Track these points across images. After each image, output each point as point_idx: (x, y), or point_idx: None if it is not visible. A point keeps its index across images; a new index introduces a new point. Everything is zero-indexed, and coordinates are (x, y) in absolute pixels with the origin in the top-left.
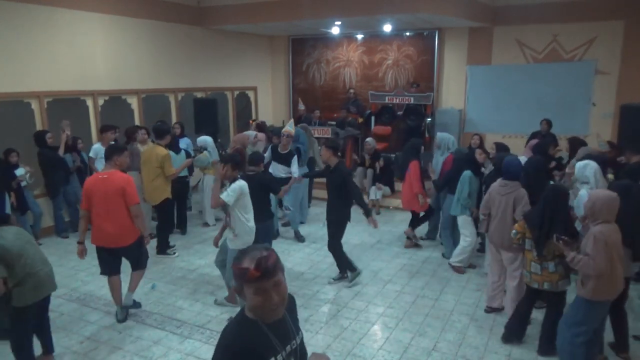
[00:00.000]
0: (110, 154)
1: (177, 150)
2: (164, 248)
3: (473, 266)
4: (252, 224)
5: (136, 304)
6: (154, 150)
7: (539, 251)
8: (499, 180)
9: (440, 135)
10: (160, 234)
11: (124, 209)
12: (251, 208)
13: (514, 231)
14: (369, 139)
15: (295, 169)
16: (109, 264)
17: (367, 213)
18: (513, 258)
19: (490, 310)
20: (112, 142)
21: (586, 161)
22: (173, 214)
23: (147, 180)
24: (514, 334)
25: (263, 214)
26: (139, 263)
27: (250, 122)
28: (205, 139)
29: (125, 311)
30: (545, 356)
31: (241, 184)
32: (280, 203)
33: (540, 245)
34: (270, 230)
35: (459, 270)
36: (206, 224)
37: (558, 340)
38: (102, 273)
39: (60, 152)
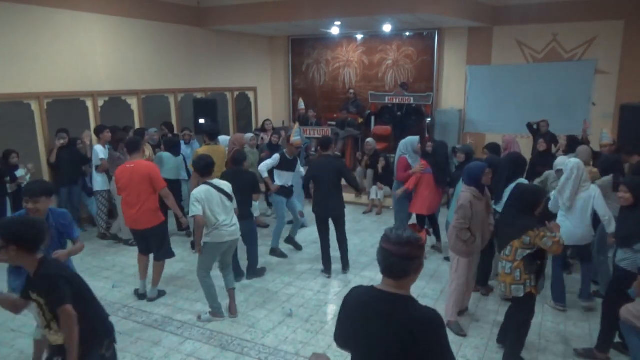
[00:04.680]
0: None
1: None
2: None
3: None
4: (218, 230)
5: (160, 293)
6: (218, 149)
7: (499, 249)
8: (474, 190)
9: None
10: None
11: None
12: (219, 212)
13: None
14: (369, 140)
15: (302, 171)
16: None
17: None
18: None
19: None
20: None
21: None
22: None
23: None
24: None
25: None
26: (155, 253)
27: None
28: (226, 139)
29: (154, 293)
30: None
31: (195, 191)
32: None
33: (499, 243)
34: (252, 229)
35: None
36: None
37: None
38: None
39: (52, 159)
